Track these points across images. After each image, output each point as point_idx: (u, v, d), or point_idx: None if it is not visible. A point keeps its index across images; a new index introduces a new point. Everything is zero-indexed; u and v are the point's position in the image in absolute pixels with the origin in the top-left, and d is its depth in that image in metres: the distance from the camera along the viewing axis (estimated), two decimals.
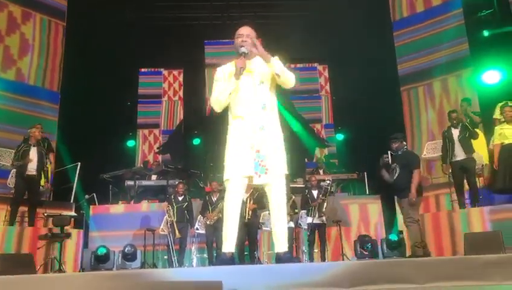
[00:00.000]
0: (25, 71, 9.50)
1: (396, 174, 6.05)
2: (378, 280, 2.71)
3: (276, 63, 3.24)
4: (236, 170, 3.20)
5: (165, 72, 13.62)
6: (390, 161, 7.03)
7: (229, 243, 3.23)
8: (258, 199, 7.25)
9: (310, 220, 7.64)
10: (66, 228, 6.98)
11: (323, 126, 13.45)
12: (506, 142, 6.27)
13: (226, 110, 3.40)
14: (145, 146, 13.09)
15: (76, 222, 7.92)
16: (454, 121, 6.92)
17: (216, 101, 3.30)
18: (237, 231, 3.26)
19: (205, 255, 7.79)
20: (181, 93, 13.55)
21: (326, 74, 13.76)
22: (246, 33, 3.34)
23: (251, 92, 3.25)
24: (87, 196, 8.54)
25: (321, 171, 10.16)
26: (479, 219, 6.45)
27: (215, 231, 7.37)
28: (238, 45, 3.31)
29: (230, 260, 3.19)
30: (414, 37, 10.19)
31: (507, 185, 6.09)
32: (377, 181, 8.38)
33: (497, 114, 7.66)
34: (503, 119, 7.41)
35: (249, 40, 3.31)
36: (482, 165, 7.47)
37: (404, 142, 6.45)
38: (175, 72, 13.64)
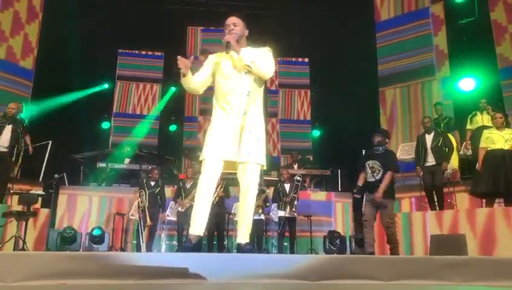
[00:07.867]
0: (16, 50, 9.30)
1: (380, 174, 5.77)
2: (344, 275, 2.75)
3: (244, 56, 3.24)
4: (215, 152, 3.20)
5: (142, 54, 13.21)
6: (365, 156, 6.53)
7: (197, 225, 3.18)
8: (225, 188, 7.30)
9: (281, 213, 7.68)
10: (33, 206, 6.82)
11: None
12: (492, 147, 6.21)
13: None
14: None
15: (45, 201, 7.74)
16: (427, 126, 6.97)
17: (188, 90, 3.50)
18: (208, 216, 3.23)
19: (174, 243, 7.76)
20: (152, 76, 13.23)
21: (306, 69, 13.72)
22: (231, 22, 3.37)
23: (237, 80, 3.28)
24: (57, 176, 8.32)
25: (295, 166, 10.19)
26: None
27: (186, 218, 7.34)
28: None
29: (195, 246, 3.13)
30: (396, 39, 10.32)
31: (490, 189, 6.09)
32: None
33: (468, 125, 7.85)
34: (474, 128, 7.63)
35: (237, 28, 3.34)
36: (453, 170, 7.64)
37: (387, 140, 6.10)
38: (150, 55, 13.28)
